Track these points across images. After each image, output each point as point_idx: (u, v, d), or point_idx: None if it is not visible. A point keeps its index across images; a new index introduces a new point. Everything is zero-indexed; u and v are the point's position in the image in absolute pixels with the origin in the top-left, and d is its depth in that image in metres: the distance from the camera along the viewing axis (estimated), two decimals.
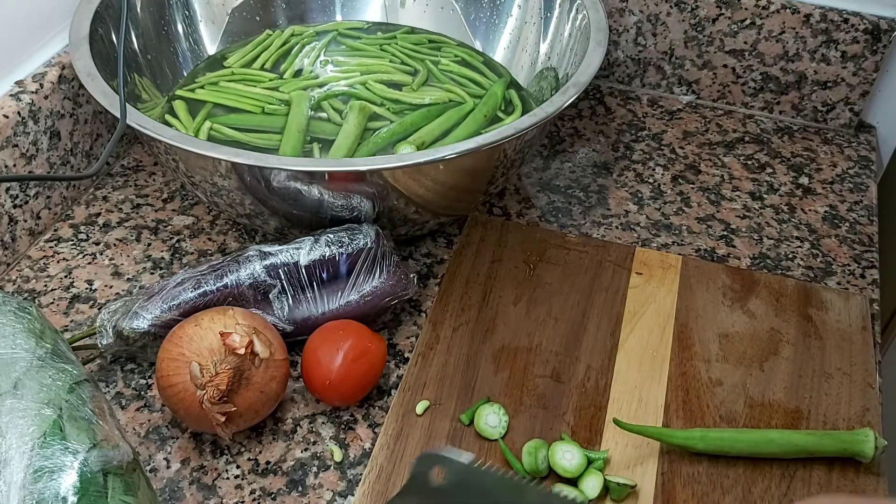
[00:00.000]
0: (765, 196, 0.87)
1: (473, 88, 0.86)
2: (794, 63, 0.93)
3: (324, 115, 0.83)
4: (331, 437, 0.63)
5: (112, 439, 0.49)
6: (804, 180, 0.89)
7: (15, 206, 0.74)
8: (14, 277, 0.74)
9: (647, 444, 0.63)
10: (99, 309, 0.71)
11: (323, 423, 0.64)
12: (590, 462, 0.61)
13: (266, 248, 0.66)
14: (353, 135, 0.79)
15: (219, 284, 0.65)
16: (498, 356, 0.69)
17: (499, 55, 0.91)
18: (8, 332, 0.51)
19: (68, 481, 0.45)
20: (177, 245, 0.78)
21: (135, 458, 0.50)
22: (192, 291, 0.64)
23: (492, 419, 0.63)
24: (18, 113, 0.72)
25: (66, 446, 0.46)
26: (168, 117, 0.81)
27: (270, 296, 0.66)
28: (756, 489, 0.61)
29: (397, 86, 0.86)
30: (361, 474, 0.61)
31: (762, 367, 0.69)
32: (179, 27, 0.87)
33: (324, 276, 0.67)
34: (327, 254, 0.66)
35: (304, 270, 0.66)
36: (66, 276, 0.74)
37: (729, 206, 0.85)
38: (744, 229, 0.83)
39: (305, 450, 0.63)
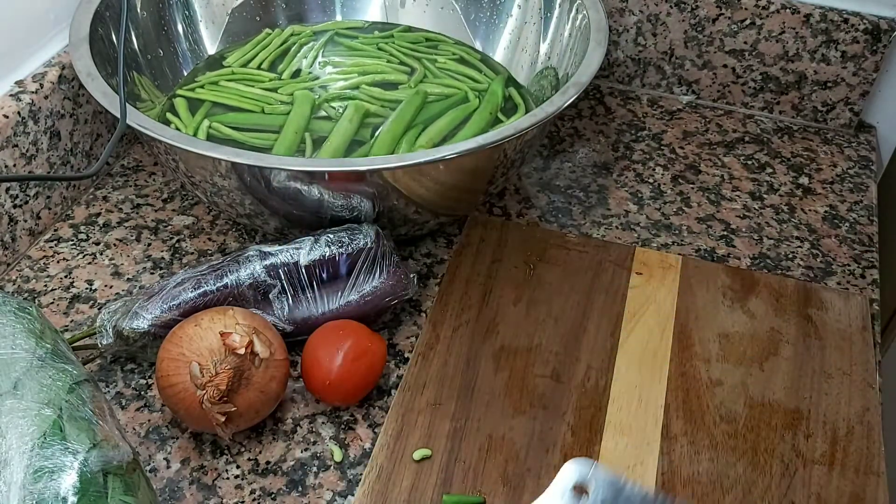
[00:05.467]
0: (765, 196, 0.87)
1: (471, 85, 0.86)
2: (794, 63, 0.93)
3: (323, 113, 0.83)
4: (331, 437, 0.63)
5: (112, 439, 0.49)
6: (804, 180, 0.89)
7: (15, 206, 0.74)
8: (14, 277, 0.74)
9: (647, 444, 0.63)
10: (99, 309, 0.71)
11: (323, 423, 0.64)
12: None
13: (266, 248, 0.66)
14: (347, 133, 0.79)
15: (219, 284, 0.65)
16: (498, 356, 0.69)
17: (499, 55, 0.91)
18: (8, 332, 0.51)
19: (68, 481, 0.45)
20: (177, 245, 0.78)
21: (135, 458, 0.50)
22: (192, 291, 0.64)
23: None
24: (18, 113, 0.72)
25: (66, 446, 0.46)
26: (168, 115, 0.81)
27: (270, 296, 0.66)
28: (756, 489, 0.61)
29: (395, 85, 0.86)
30: (361, 474, 0.61)
31: (762, 367, 0.69)
32: (179, 27, 0.87)
33: (324, 276, 0.67)
34: (327, 254, 0.66)
35: (304, 270, 0.66)
36: (66, 276, 0.74)
37: (729, 206, 0.85)
38: (744, 229, 0.83)
39: (305, 450, 0.63)
